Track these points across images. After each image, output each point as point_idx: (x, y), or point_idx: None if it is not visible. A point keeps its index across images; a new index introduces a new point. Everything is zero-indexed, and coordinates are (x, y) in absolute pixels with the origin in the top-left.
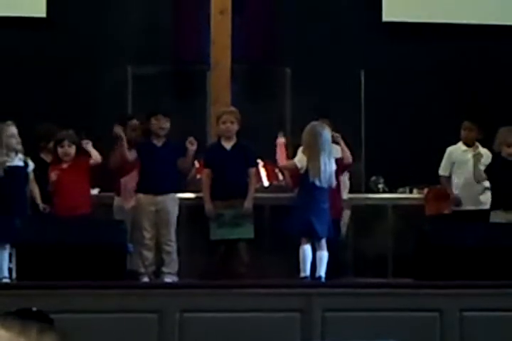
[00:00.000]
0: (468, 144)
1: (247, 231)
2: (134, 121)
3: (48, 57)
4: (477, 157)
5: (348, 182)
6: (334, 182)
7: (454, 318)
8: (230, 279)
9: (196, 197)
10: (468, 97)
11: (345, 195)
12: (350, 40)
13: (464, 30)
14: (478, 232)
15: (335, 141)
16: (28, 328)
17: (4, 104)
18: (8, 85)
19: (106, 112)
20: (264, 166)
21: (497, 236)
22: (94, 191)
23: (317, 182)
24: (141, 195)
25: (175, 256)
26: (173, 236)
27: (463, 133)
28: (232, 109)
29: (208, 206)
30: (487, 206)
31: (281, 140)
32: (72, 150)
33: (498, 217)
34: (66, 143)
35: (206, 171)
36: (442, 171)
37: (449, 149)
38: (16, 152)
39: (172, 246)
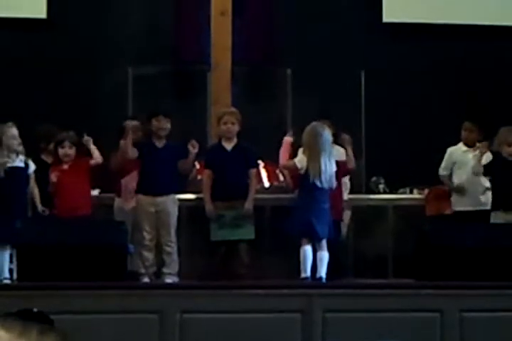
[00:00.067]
0: (469, 145)
1: (248, 232)
2: (135, 122)
3: (48, 58)
4: (483, 151)
5: (348, 183)
6: (334, 183)
7: (454, 319)
8: (231, 280)
9: (197, 198)
10: (469, 98)
11: (345, 195)
12: (351, 41)
13: (464, 31)
14: (479, 233)
15: (339, 144)
16: (29, 329)
17: (4, 105)
18: (8, 86)
19: (106, 113)
20: (265, 167)
21: (497, 236)
22: (95, 192)
23: (317, 183)
24: (141, 196)
25: (175, 256)
26: (173, 237)
27: (463, 133)
28: (233, 109)
29: (209, 207)
30: (487, 206)
31: (288, 139)
32: (73, 151)
33: (498, 217)
34: (66, 144)
35: (207, 172)
36: (443, 170)
37: (450, 149)
38: (17, 153)
39: (172, 247)
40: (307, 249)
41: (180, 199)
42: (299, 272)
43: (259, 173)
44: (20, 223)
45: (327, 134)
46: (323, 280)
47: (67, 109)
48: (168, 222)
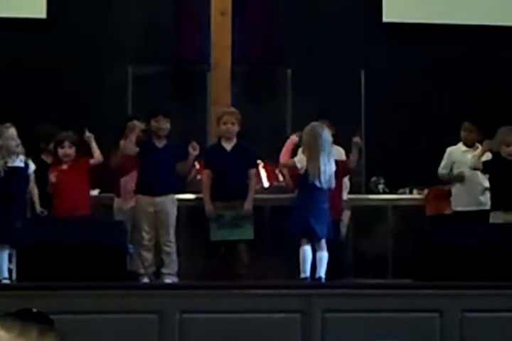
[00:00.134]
0: (468, 145)
1: (247, 233)
2: (135, 122)
3: (48, 58)
4: (485, 150)
5: (348, 183)
6: (333, 184)
7: (454, 319)
8: (230, 280)
9: (196, 198)
10: (469, 98)
11: (345, 195)
12: (351, 41)
13: (464, 31)
14: (478, 233)
15: (339, 144)
16: (28, 329)
17: (4, 105)
18: (8, 86)
19: (106, 112)
20: (265, 167)
21: (497, 236)
22: (95, 192)
23: (317, 183)
24: (139, 196)
25: (174, 256)
26: (172, 237)
27: (463, 134)
28: (233, 109)
29: (208, 207)
30: (487, 207)
31: (294, 138)
32: (73, 151)
33: (497, 218)
34: (66, 144)
35: (206, 172)
36: (442, 169)
37: (449, 149)
38: (17, 154)
39: (171, 247)
40: (307, 249)
41: (179, 199)
42: (298, 272)
43: (258, 173)
44: (19, 223)
45: (326, 134)
46: (323, 280)
47: (67, 109)
48: (167, 222)
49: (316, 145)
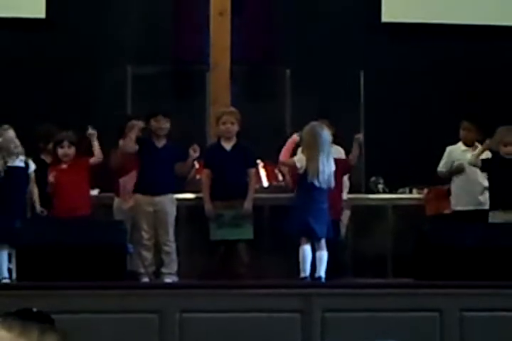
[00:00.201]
0: (468, 144)
1: (247, 232)
2: (134, 121)
3: (47, 58)
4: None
5: (347, 183)
6: (333, 183)
7: (453, 318)
8: (230, 279)
9: (196, 198)
10: (468, 98)
11: (344, 195)
12: (350, 41)
13: (463, 31)
14: (478, 232)
15: (338, 143)
16: (29, 329)
17: (4, 105)
18: (7, 86)
19: (105, 112)
20: (264, 167)
21: (496, 236)
22: (94, 192)
23: (316, 183)
24: (139, 196)
25: (174, 256)
26: (171, 237)
27: (462, 133)
28: (232, 109)
29: (208, 206)
30: (486, 206)
31: (295, 137)
32: (72, 151)
33: (496, 217)
34: (66, 143)
35: (206, 171)
36: (441, 168)
37: (449, 148)
38: (17, 154)
39: (171, 247)
40: (306, 249)
41: (179, 199)
42: (298, 272)
43: (258, 173)
44: (19, 223)
45: (326, 134)
46: (323, 279)
47: (66, 108)
48: (166, 221)
49: (316, 145)
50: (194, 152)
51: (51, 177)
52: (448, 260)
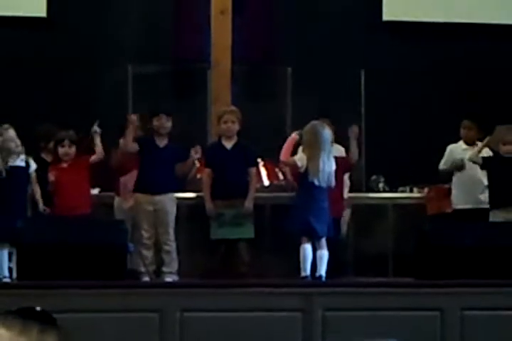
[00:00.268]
0: (468, 143)
1: (248, 231)
2: (131, 117)
3: (48, 57)
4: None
5: (348, 182)
6: (333, 182)
7: (454, 317)
8: (231, 278)
9: (197, 197)
10: (469, 97)
11: (345, 194)
12: (351, 40)
13: (464, 30)
14: (478, 231)
15: (339, 142)
16: (29, 327)
17: (4, 105)
18: (8, 85)
19: (106, 112)
20: (265, 166)
21: (497, 235)
22: (95, 191)
23: (316, 182)
24: (138, 195)
25: (174, 255)
26: (171, 236)
27: (462, 132)
28: (233, 108)
29: (209, 205)
30: (487, 205)
31: (295, 136)
32: (73, 150)
33: (497, 216)
34: (66, 143)
35: (207, 171)
36: (442, 165)
37: (450, 147)
38: (17, 154)
39: (171, 246)
40: (307, 248)
41: (180, 198)
42: (299, 271)
43: (258, 172)
44: (20, 222)
45: (327, 133)
46: (323, 278)
47: (66, 108)
48: (167, 220)
49: (317, 144)
50: (195, 153)
51: (51, 176)
52: (449, 259)
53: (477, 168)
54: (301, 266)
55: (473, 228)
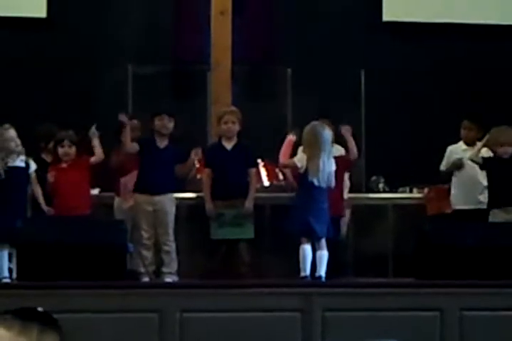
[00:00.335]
0: (468, 143)
1: (248, 232)
2: (134, 121)
3: (48, 58)
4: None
5: (348, 182)
6: (333, 183)
7: (454, 317)
8: (231, 279)
9: (197, 197)
10: (469, 97)
11: (345, 194)
12: (351, 40)
13: (464, 30)
14: (479, 232)
15: (339, 142)
16: (29, 328)
17: (4, 105)
18: (8, 85)
19: (106, 112)
20: (265, 166)
21: (497, 235)
22: (95, 191)
23: (315, 182)
24: (138, 195)
25: (174, 255)
26: (171, 236)
27: (462, 132)
28: (234, 109)
29: (209, 205)
30: (486, 205)
31: (291, 138)
32: (73, 150)
33: (496, 216)
34: (66, 143)
35: (207, 171)
36: (443, 167)
37: (450, 148)
38: (18, 153)
39: (171, 246)
40: (306, 248)
41: (180, 198)
42: (298, 271)
43: (259, 172)
44: (20, 222)
45: (327, 133)
46: (323, 279)
47: (66, 108)
48: (166, 220)
49: (317, 144)
50: (195, 155)
51: (50, 177)
52: (449, 259)
53: (477, 168)
54: (301, 266)
55: (473, 228)
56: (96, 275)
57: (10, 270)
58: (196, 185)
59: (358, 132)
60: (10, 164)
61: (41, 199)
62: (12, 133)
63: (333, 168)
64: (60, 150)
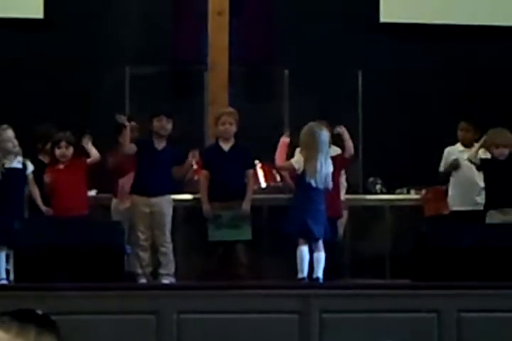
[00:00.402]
0: (466, 145)
1: (245, 233)
2: (132, 123)
3: (46, 58)
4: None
5: (345, 183)
6: (330, 184)
7: (451, 319)
8: (228, 280)
9: (194, 199)
10: (467, 98)
11: (342, 196)
12: (348, 41)
13: (462, 31)
14: (476, 233)
15: (336, 144)
16: (27, 330)
17: (3, 105)
18: (6, 86)
19: (104, 112)
20: (262, 167)
21: (494, 236)
22: (92, 192)
23: (313, 183)
24: (135, 197)
25: (171, 257)
26: (168, 238)
27: (460, 133)
28: (231, 110)
29: (206, 207)
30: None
31: (284, 140)
32: (70, 151)
33: (493, 217)
34: (63, 144)
35: (204, 172)
36: (441, 168)
37: (447, 149)
38: (15, 154)
39: (168, 248)
40: (304, 250)
41: (177, 200)
42: (296, 273)
43: (256, 174)
44: (18, 224)
45: (324, 134)
46: (320, 280)
47: (65, 109)
48: (163, 222)
49: (314, 145)
50: (193, 157)
51: (46, 178)
52: (446, 261)
53: (474, 169)
54: (298, 267)
55: (471, 229)
56: (93, 277)
57: (7, 271)
58: (193, 186)
59: (355, 133)
60: (7, 165)
61: (39, 201)
62: (10, 133)
63: (331, 169)
64: (57, 152)
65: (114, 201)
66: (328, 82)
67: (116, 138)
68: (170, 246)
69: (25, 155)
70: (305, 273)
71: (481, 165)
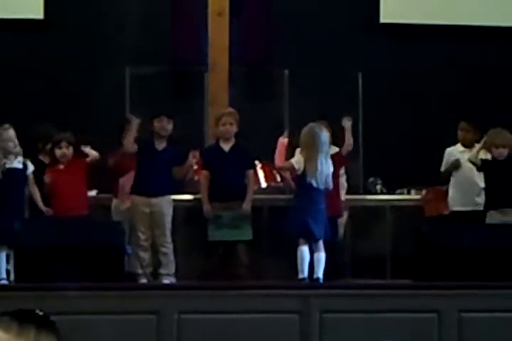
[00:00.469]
0: (466, 145)
1: (246, 233)
2: (130, 117)
3: (46, 59)
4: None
5: (345, 184)
6: (331, 185)
7: (452, 319)
8: (229, 280)
9: (194, 199)
10: (467, 98)
11: (342, 196)
12: (348, 42)
13: (461, 32)
14: (476, 233)
15: (336, 144)
16: (26, 330)
17: (3, 106)
18: (7, 86)
19: (104, 112)
20: (262, 168)
21: (494, 237)
22: (92, 192)
23: (314, 183)
24: (135, 197)
25: (171, 257)
26: (168, 238)
27: (460, 134)
28: (231, 110)
29: (207, 207)
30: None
31: (283, 140)
32: (70, 151)
33: (493, 218)
34: (64, 144)
35: (204, 173)
36: (443, 168)
37: (448, 150)
38: (15, 154)
39: (168, 248)
40: (304, 250)
41: (177, 200)
42: (296, 273)
43: (256, 174)
44: (18, 224)
45: (324, 135)
46: (321, 281)
47: (65, 109)
48: (163, 222)
49: (314, 146)
50: (193, 157)
51: (47, 178)
52: (446, 261)
53: (474, 170)
54: (299, 268)
55: (471, 230)
56: (94, 277)
57: (8, 272)
58: (194, 186)
59: (355, 133)
60: (8, 165)
61: (39, 201)
62: (11, 133)
63: (331, 169)
64: (58, 152)
65: (115, 201)
66: (328, 83)
67: (118, 138)
68: (170, 246)
69: (25, 156)
70: (305, 274)
71: (481, 166)
